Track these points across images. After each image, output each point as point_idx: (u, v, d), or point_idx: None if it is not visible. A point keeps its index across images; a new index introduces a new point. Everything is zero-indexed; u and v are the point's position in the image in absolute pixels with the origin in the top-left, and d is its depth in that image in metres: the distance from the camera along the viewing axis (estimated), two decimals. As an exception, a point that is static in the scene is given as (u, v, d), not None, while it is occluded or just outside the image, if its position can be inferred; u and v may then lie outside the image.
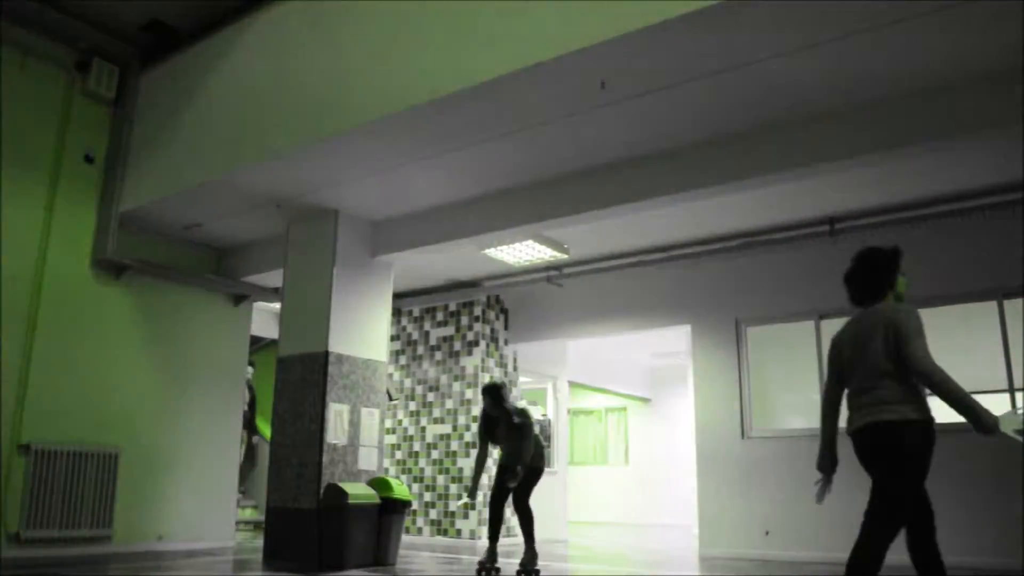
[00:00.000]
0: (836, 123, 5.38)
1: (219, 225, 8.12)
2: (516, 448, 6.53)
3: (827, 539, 7.18)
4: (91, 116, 7.77)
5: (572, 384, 12.37)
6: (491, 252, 8.21)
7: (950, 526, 4.03)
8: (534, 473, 6.64)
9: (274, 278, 8.46)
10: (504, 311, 10.39)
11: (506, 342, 10.32)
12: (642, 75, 4.93)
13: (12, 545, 6.75)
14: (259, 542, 8.13)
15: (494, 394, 6.68)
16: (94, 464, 7.33)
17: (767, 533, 7.93)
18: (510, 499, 6.64)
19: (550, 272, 8.93)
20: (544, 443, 7.21)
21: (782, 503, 7.85)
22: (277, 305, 9.11)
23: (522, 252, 8.26)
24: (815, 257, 7.98)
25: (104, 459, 7.42)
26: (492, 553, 6.54)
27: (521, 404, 7.54)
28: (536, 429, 6.83)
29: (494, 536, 6.65)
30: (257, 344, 10.62)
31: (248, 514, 10.81)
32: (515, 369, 10.43)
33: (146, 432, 7.87)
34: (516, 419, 6.60)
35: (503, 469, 6.64)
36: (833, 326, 7.86)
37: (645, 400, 15.90)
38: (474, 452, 9.42)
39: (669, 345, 12.22)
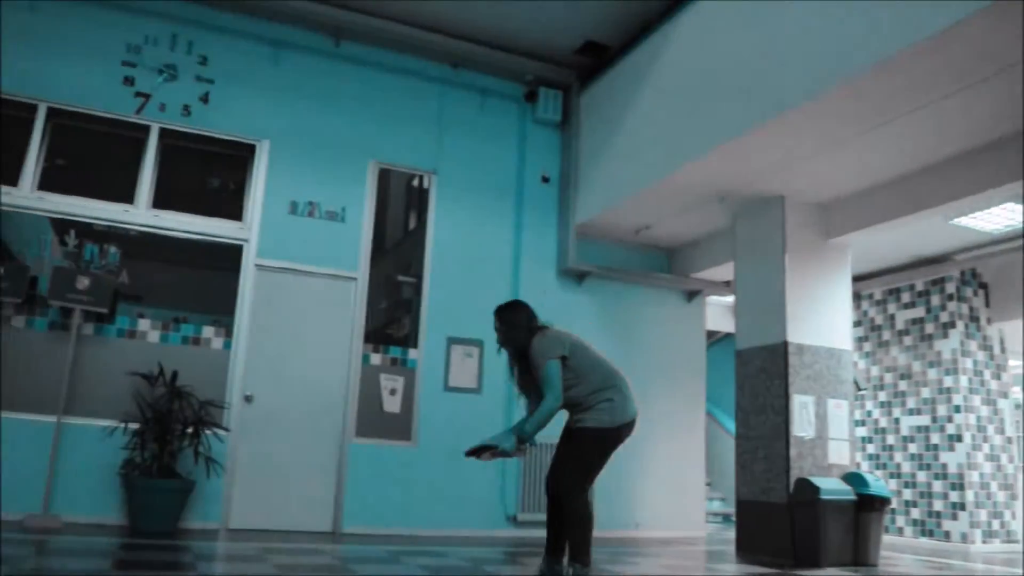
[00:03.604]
0: None
1: (666, 225, 8.37)
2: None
3: None
4: (543, 140, 8.62)
5: (1079, 367, 10.55)
6: (961, 221, 7.35)
7: None
8: (594, 439, 4.26)
9: (724, 272, 8.52)
10: (983, 286, 9.20)
11: (989, 321, 9.12)
12: None
13: (510, 526, 7.69)
14: (728, 533, 8.17)
15: (503, 318, 4.57)
16: (574, 456, 7.99)
17: None
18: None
19: (1040, 237, 7.71)
20: (620, 382, 4.53)
21: None
22: (729, 299, 9.14)
23: (1000, 217, 7.26)
24: None
25: (582, 451, 8.04)
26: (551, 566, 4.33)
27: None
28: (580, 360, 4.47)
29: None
30: (713, 338, 10.73)
31: (715, 506, 10.97)
32: (1003, 351, 9.18)
33: (617, 426, 8.36)
34: (534, 356, 4.35)
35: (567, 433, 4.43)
36: None
37: None
38: (959, 445, 8.54)
39: None
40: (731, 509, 9.90)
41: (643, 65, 7.47)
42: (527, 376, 4.46)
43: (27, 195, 6.69)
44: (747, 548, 6.96)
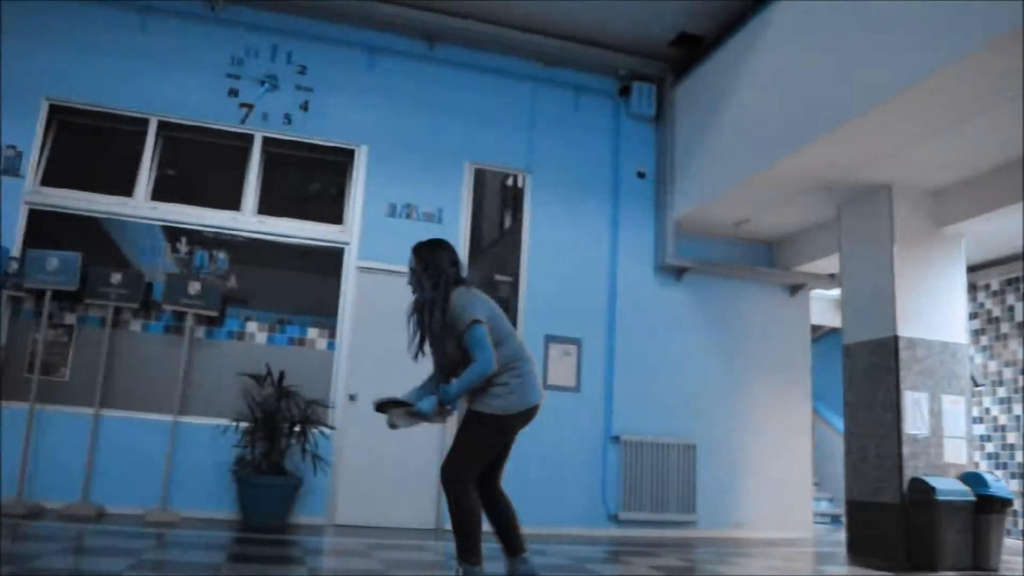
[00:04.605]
0: None
1: (767, 218, 8.17)
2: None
3: None
4: (637, 135, 8.53)
5: None
6: (1086, 205, 6.92)
7: None
8: (485, 425, 3.75)
9: (828, 264, 8.26)
10: (1111, 273, 8.69)
11: (1119, 312, 8.61)
12: None
13: (612, 524, 7.63)
14: (837, 535, 7.93)
15: (423, 258, 4.06)
16: (676, 454, 7.90)
17: None
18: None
19: None
20: (523, 364, 3.89)
21: None
22: (835, 292, 8.86)
23: None
24: None
25: (684, 449, 7.94)
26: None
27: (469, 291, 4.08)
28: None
29: (508, 547, 4.04)
30: (818, 333, 10.43)
31: (823, 506, 10.65)
32: None
33: (718, 424, 8.22)
34: (455, 311, 3.82)
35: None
36: None
37: None
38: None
39: None
40: (839, 510, 9.62)
41: (739, 55, 7.31)
42: (428, 331, 3.93)
43: (141, 205, 7.03)
44: (858, 550, 6.73)
